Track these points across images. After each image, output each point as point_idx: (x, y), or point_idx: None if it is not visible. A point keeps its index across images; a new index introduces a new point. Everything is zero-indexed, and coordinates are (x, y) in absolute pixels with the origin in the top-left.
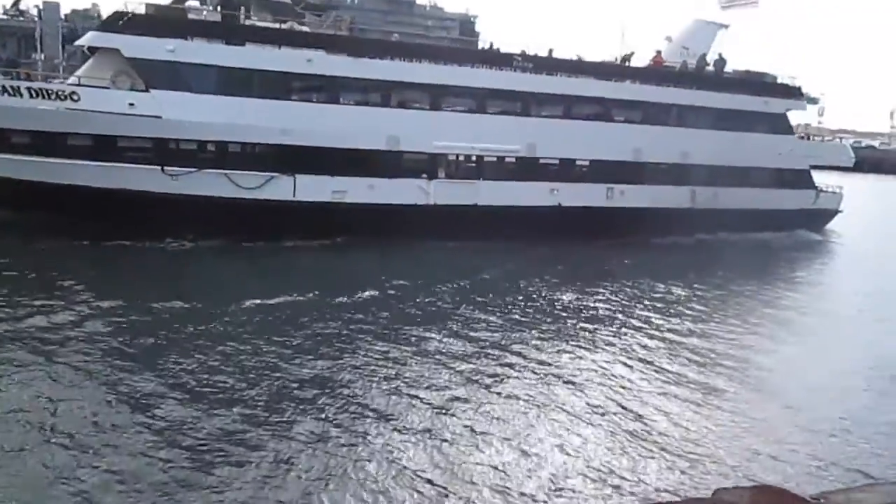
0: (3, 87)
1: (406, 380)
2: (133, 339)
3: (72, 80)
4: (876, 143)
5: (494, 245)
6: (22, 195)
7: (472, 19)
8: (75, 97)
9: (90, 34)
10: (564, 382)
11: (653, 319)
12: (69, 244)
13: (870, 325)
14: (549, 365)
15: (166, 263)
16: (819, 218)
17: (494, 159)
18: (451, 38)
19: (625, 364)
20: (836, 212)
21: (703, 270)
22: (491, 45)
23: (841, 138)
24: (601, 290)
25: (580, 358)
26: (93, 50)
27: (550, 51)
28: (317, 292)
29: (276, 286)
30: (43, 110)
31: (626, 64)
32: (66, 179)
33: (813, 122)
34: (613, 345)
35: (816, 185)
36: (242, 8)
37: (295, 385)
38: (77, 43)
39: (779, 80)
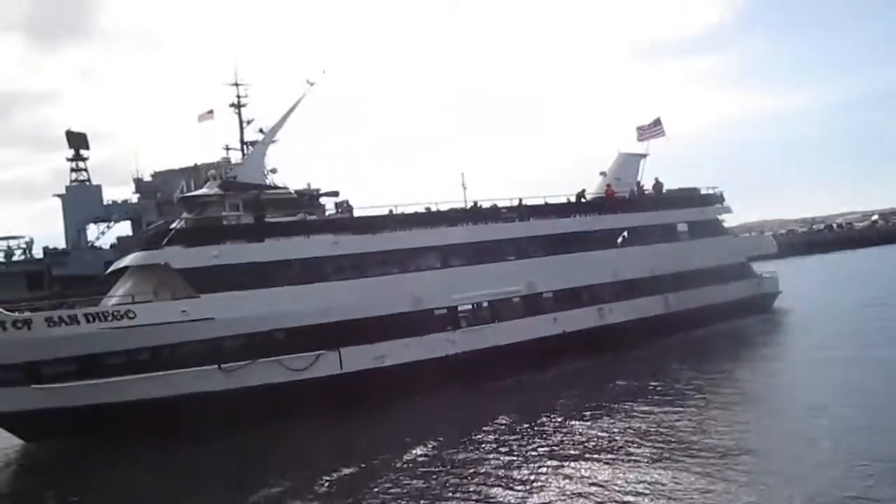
0: (61, 318)
1: None
2: None
3: (115, 300)
4: None
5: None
6: (86, 419)
7: (315, 193)
8: (131, 315)
9: (137, 254)
10: None
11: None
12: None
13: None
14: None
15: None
16: (766, 300)
17: (503, 301)
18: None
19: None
20: (777, 293)
21: (701, 361)
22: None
23: None
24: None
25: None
26: (120, 270)
27: (521, 200)
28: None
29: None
30: (102, 333)
31: (582, 199)
32: (130, 396)
33: None
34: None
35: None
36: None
37: None
38: (123, 264)
39: (703, 191)
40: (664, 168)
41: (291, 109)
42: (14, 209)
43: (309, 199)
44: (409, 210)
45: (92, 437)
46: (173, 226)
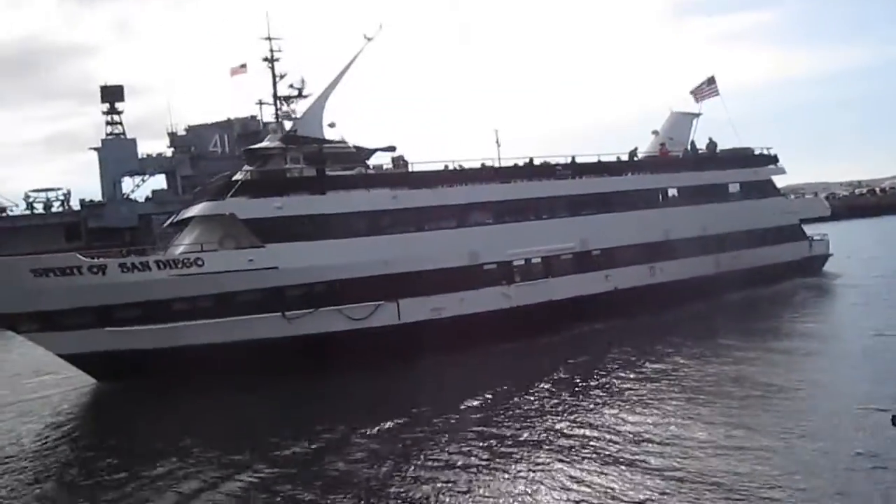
0: (134, 264)
1: None
2: None
3: (182, 248)
4: None
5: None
6: (154, 361)
7: (355, 149)
8: (200, 262)
9: (203, 205)
10: None
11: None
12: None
13: None
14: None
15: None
16: (817, 263)
17: (557, 257)
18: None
19: None
20: (827, 256)
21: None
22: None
23: None
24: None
25: None
26: (184, 221)
27: (573, 157)
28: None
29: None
30: (172, 279)
31: (635, 158)
32: (197, 340)
33: None
34: None
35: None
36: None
37: None
38: (188, 214)
39: (756, 152)
40: (714, 127)
41: (350, 64)
42: (61, 161)
43: (366, 154)
44: (461, 166)
45: (159, 378)
46: (237, 177)
